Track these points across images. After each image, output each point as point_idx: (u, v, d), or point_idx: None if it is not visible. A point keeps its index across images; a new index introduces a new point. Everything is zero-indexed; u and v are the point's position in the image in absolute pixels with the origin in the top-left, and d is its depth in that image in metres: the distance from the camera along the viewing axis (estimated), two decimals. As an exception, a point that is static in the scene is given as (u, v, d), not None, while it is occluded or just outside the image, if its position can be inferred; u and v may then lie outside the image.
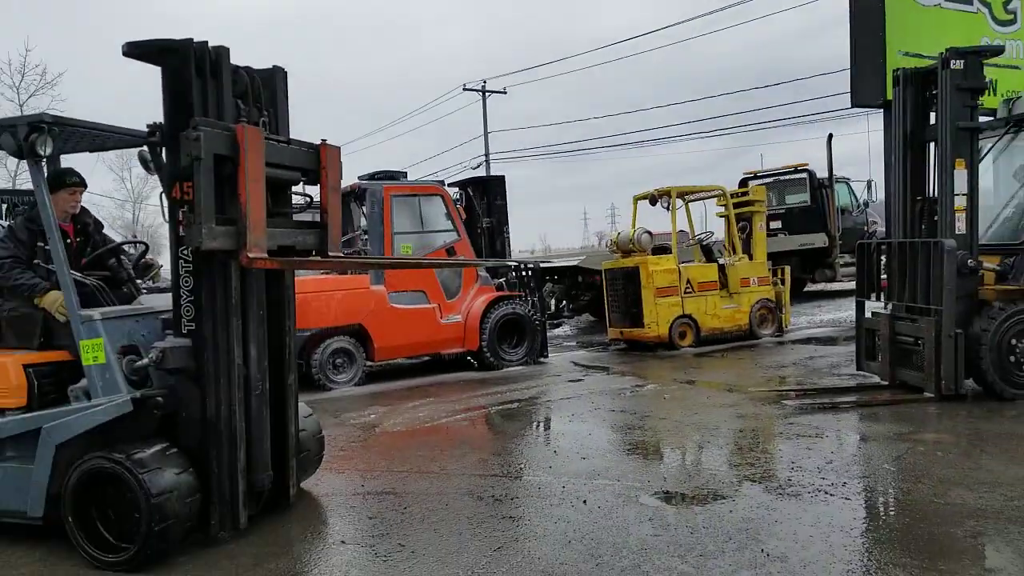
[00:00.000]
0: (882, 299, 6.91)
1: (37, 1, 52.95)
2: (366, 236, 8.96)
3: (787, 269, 11.45)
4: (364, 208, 9.02)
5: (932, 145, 6.37)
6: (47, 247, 4.07)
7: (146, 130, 3.86)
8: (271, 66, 4.23)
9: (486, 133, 35.60)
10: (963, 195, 6.05)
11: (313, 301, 8.20)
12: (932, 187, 6.40)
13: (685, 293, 10.24)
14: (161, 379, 3.85)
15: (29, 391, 3.96)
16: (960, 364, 6.03)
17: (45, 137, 3.80)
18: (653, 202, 10.70)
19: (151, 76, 3.82)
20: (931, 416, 5.86)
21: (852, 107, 10.80)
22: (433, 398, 7.74)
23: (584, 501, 4.23)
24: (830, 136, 14.49)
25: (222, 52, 3.85)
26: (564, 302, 13.79)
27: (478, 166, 35.43)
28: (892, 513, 4.09)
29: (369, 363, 8.87)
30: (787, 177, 16.34)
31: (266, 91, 4.14)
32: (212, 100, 3.80)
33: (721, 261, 10.93)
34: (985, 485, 4.17)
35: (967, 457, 4.77)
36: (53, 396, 4.02)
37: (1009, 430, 5.38)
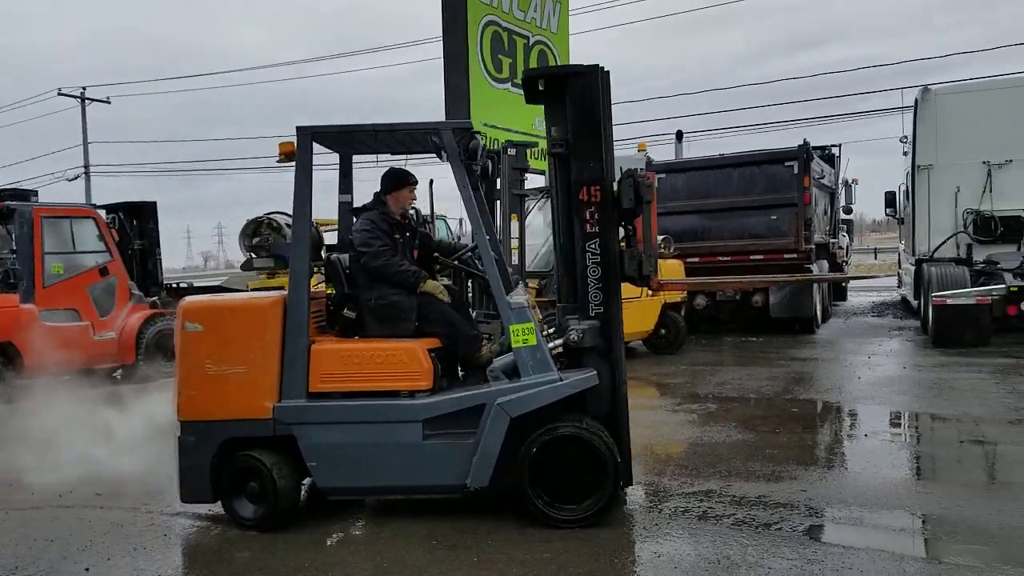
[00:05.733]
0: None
1: None
2: (14, 255, 9.22)
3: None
4: (12, 228, 9.27)
5: (498, 203, 9.29)
6: (400, 240, 4.44)
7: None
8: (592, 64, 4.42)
9: (86, 143, 33.34)
10: (516, 238, 9.05)
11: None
12: (499, 232, 9.33)
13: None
14: (569, 356, 4.23)
15: (434, 374, 4.14)
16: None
17: (479, 143, 4.15)
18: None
19: None
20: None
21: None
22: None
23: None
24: (431, 181, 17.61)
25: (607, 72, 4.32)
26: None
27: (75, 178, 33.03)
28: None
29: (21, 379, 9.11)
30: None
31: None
32: (607, 113, 4.30)
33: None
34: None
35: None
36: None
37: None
